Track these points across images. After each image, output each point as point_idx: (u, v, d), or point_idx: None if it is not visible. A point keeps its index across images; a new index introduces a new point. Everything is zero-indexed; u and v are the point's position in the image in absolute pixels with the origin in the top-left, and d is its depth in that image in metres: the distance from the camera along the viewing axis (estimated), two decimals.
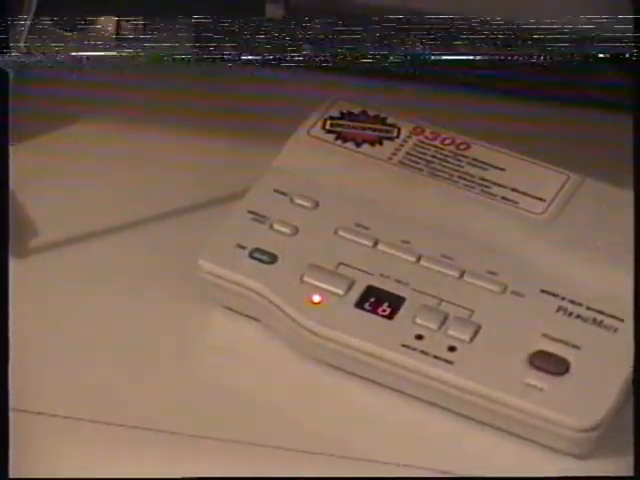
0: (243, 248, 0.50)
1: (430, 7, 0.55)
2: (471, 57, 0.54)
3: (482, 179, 0.54)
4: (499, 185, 0.53)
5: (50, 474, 0.47)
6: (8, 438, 0.45)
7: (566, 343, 0.47)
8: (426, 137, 0.56)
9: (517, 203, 0.52)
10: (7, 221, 0.51)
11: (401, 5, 0.55)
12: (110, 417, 0.48)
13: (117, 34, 0.58)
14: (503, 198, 0.53)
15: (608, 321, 0.48)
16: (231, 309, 0.52)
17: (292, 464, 0.46)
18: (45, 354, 0.51)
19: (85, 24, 0.58)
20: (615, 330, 0.47)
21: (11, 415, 0.46)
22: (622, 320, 0.48)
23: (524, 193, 0.53)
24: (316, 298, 0.49)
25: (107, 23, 0.58)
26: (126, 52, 0.57)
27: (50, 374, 0.50)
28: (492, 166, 0.54)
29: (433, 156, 0.55)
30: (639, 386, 0.45)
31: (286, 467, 0.46)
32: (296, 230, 0.51)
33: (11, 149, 0.54)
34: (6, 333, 0.48)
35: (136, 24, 0.58)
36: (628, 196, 0.52)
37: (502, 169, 0.54)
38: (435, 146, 0.55)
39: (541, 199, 0.53)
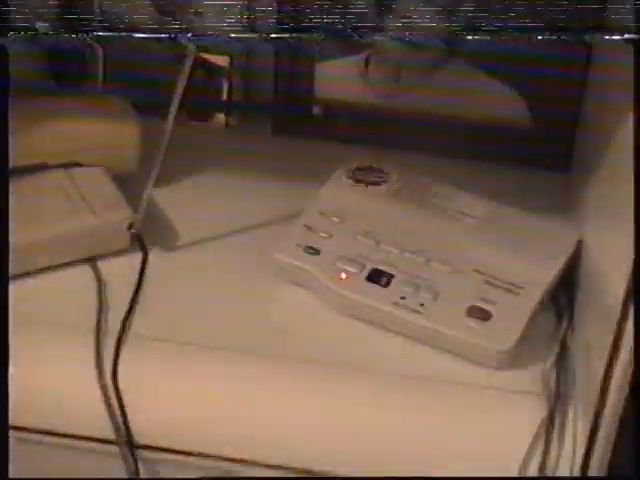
0: (300, 246, 0.66)
1: None
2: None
3: (441, 205, 0.70)
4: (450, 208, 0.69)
5: None
6: (8, 438, 0.45)
7: (489, 301, 0.62)
8: (407, 180, 0.72)
9: (461, 220, 0.69)
10: (7, 211, 0.50)
11: None
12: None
13: None
14: (452, 216, 0.69)
15: (513, 288, 0.63)
16: (293, 282, 0.67)
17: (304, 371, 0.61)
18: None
19: None
20: (518, 294, 0.62)
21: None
22: (523, 287, 0.62)
23: (464, 213, 0.69)
24: (343, 275, 0.64)
25: None
26: None
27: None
28: (445, 198, 0.70)
29: (412, 191, 0.71)
30: (639, 386, 0.46)
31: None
32: (331, 235, 0.67)
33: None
34: (6, 333, 0.46)
35: None
36: (528, 216, 0.69)
37: (451, 199, 0.70)
38: (411, 186, 0.72)
39: (475, 217, 0.69)
